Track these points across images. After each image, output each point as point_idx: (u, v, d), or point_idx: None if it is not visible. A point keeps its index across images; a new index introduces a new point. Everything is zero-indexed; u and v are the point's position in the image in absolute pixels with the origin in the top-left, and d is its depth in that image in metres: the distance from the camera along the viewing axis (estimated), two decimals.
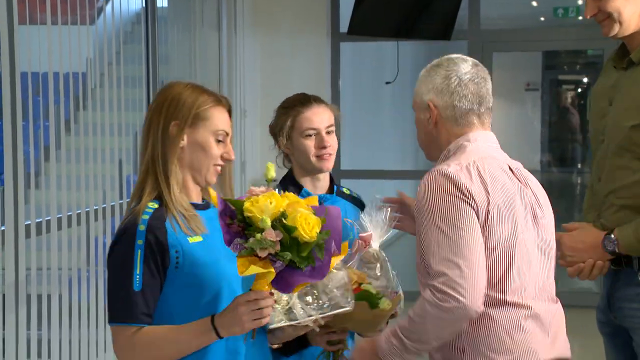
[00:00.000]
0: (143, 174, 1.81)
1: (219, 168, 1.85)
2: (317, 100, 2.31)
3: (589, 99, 2.54)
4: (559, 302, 2.02)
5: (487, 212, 1.85)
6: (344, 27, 6.24)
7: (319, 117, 2.26)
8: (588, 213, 2.43)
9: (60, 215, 3.50)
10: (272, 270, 1.61)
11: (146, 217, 1.75)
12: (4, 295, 3.07)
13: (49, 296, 3.37)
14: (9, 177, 3.12)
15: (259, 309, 1.67)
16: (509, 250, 1.89)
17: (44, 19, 3.63)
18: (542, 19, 8.71)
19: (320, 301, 1.84)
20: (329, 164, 2.27)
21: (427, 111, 1.98)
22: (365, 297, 1.96)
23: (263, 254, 1.60)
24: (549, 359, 1.91)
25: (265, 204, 1.62)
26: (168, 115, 1.81)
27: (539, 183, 2.04)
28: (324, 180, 2.33)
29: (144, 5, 4.72)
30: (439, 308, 1.79)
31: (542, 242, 1.97)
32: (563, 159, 11.99)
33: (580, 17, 8.35)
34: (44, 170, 3.81)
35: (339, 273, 1.89)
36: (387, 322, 2.08)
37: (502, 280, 1.88)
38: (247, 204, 1.63)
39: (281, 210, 1.62)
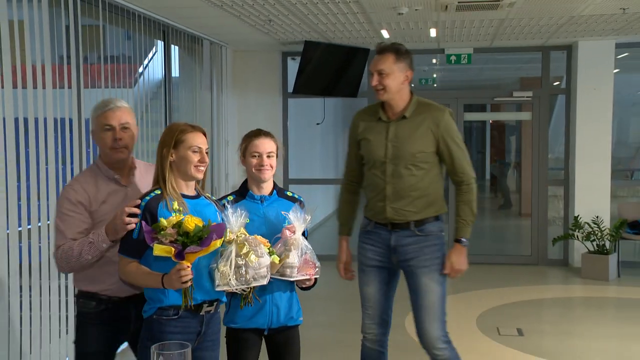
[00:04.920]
0: (155, 178, 2.20)
1: (200, 168, 2.16)
2: (265, 134, 2.50)
3: (354, 135, 2.82)
4: None
5: None
6: (290, 88, 6.73)
7: (263, 145, 2.47)
8: (389, 203, 2.73)
9: None
10: (172, 249, 1.99)
11: (148, 198, 2.12)
12: None
13: None
14: None
15: (182, 276, 2.03)
16: None
17: (100, 84, 4.14)
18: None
19: (248, 276, 2.12)
20: (266, 176, 2.46)
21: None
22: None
23: (166, 241, 2.01)
24: None
25: (169, 219, 2.05)
26: (163, 144, 2.16)
27: None
28: (267, 186, 2.50)
29: (164, 75, 5.34)
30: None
31: None
32: None
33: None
34: None
35: (266, 258, 2.15)
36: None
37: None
38: (163, 222, 2.03)
39: (179, 220, 2.04)
